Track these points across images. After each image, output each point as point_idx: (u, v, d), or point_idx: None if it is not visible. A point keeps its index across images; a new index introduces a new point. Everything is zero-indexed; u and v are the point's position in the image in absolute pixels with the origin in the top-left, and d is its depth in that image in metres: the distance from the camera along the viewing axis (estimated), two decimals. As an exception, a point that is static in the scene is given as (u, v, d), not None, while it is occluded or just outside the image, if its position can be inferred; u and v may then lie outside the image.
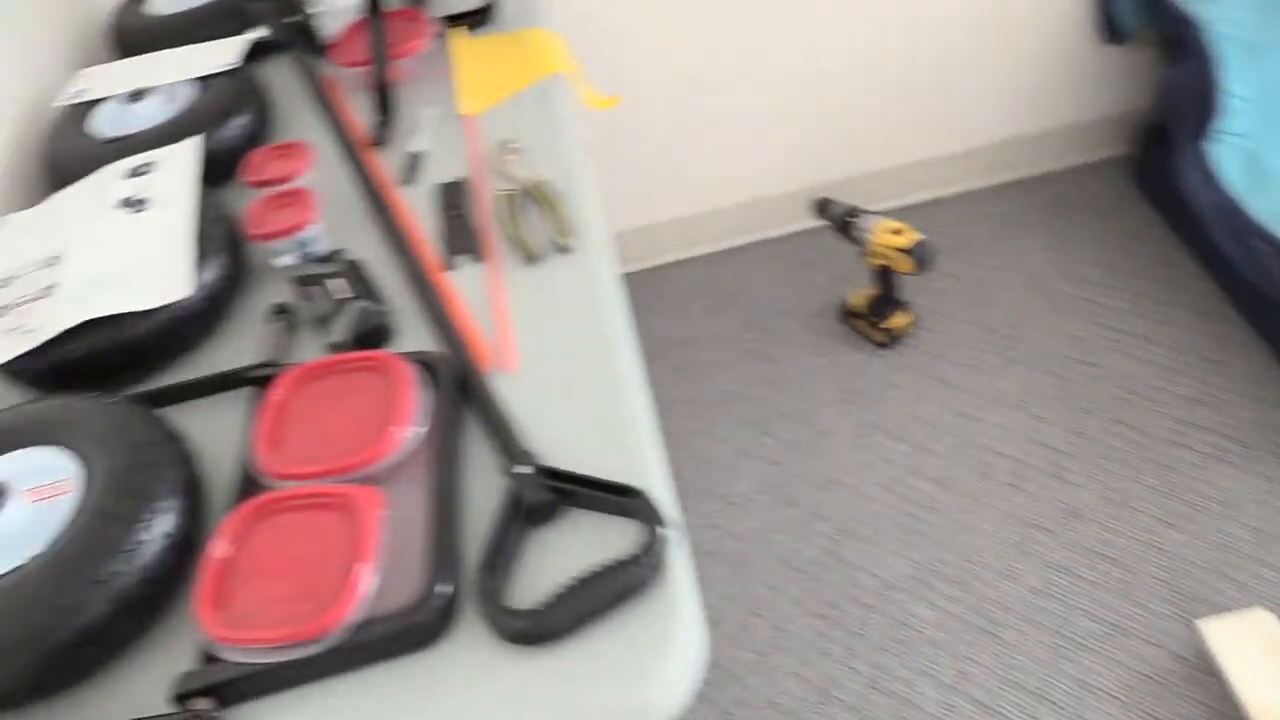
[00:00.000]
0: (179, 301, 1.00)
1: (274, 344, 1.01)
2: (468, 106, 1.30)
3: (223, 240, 1.07)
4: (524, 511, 0.81)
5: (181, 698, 0.74)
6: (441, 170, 1.21)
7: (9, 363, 0.97)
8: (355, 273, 1.05)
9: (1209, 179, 1.99)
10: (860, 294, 2.29)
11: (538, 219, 1.10)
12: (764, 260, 2.60)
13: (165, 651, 0.80)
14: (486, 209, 1.13)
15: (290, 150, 1.18)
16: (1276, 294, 1.90)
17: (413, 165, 1.22)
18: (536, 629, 0.74)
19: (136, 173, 1.17)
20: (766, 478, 2.10)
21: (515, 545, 0.80)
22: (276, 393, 0.90)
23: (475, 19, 1.48)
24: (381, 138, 1.28)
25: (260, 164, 1.17)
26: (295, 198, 1.11)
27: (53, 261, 1.05)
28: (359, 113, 1.34)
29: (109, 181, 1.16)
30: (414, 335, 1.01)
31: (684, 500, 1.99)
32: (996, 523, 1.94)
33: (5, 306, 1.02)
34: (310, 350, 1.01)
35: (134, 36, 1.57)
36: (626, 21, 2.21)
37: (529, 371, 0.95)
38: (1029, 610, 1.80)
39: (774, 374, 2.30)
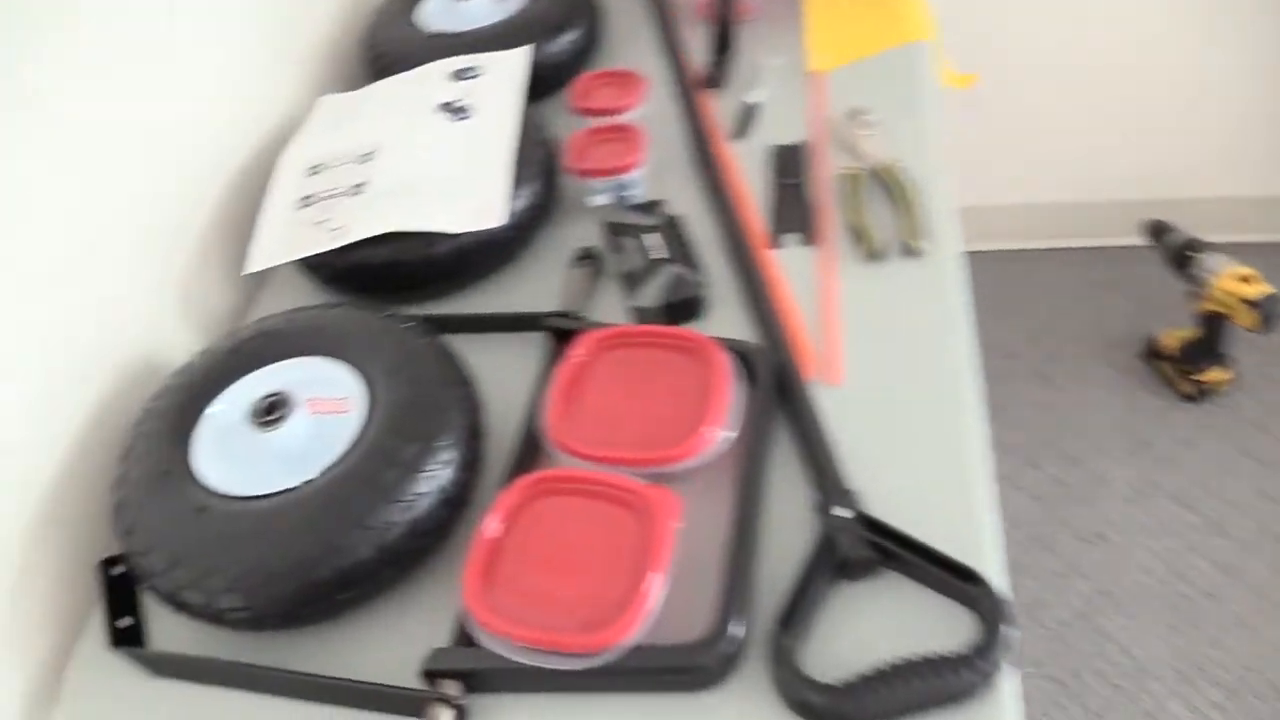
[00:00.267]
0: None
1: (574, 292, 0.92)
2: (816, 61, 1.16)
3: (539, 167, 0.99)
4: (836, 563, 0.69)
5: (430, 674, 0.67)
6: (778, 130, 1.08)
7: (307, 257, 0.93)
8: (674, 231, 0.94)
9: None
10: (1175, 334, 2.01)
11: (884, 208, 0.95)
12: (1067, 270, 2.33)
13: (418, 612, 0.74)
14: (825, 185, 1.00)
15: (623, 80, 1.08)
16: None
17: (747, 117, 1.10)
18: (835, 711, 0.63)
19: (461, 76, 1.10)
20: (1024, 513, 1.90)
21: (818, 600, 0.68)
22: (577, 353, 0.82)
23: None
24: (716, 79, 1.16)
25: (589, 89, 1.08)
26: (623, 135, 1.01)
27: (366, 158, 1.00)
28: (694, 48, 1.22)
29: (432, 81, 1.10)
30: (726, 317, 0.90)
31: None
32: (1288, 632, 1.67)
33: (312, 196, 0.98)
34: (610, 308, 0.92)
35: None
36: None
37: (854, 389, 0.82)
38: (1311, 743, 1.54)
39: (1053, 400, 2.07)
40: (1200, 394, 1.99)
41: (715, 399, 0.76)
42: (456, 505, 0.75)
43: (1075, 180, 2.29)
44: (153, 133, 0.95)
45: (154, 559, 0.70)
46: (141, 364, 0.91)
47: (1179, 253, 1.88)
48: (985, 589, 0.66)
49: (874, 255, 0.91)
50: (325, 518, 0.70)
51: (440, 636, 0.69)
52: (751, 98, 1.12)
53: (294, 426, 0.75)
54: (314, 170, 1.02)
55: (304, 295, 1.00)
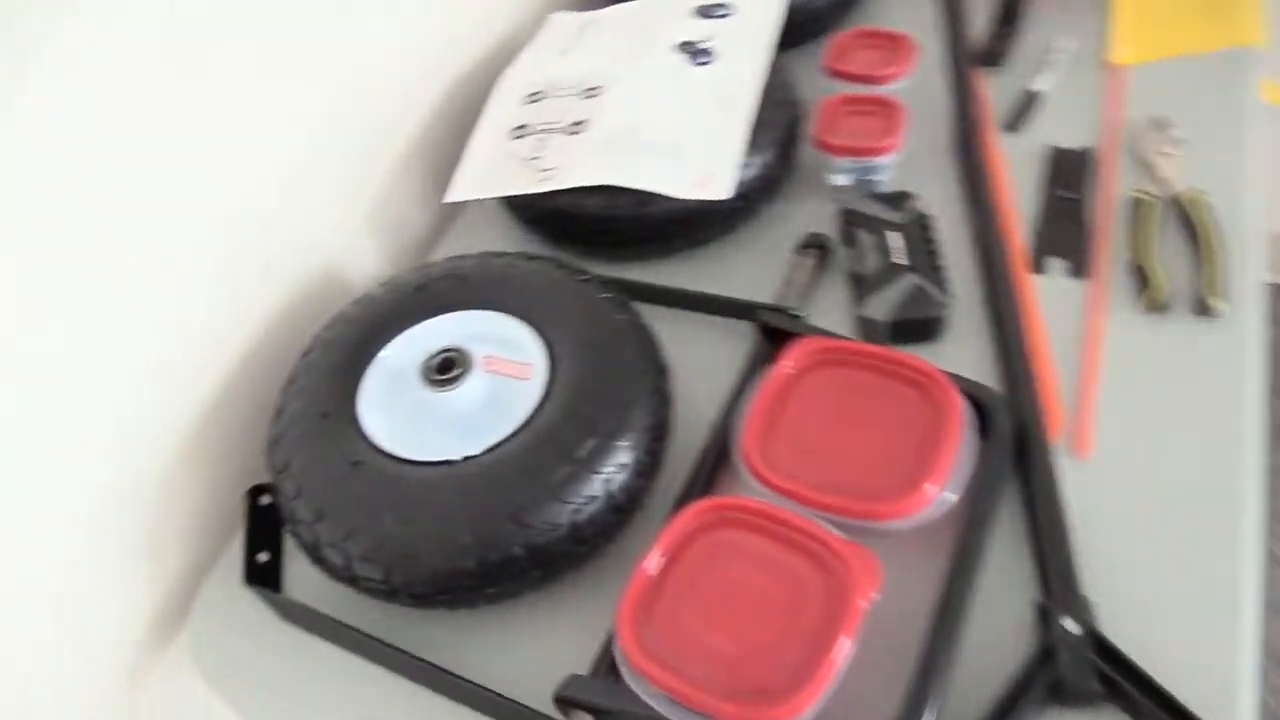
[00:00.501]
0: (709, 195, 0.82)
1: (794, 283, 0.82)
2: (1120, 52, 0.99)
3: (779, 131, 0.87)
4: (1052, 681, 0.58)
5: (562, 701, 0.60)
6: (1060, 129, 0.92)
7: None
8: (921, 232, 0.82)
9: None
10: None
11: (1178, 248, 0.80)
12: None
13: (558, 622, 0.67)
14: (1109, 207, 0.84)
15: (889, 43, 0.94)
16: None
17: (1025, 107, 0.94)
18: None
19: (708, 13, 0.99)
20: None
21: (1025, 723, 0.57)
22: (786, 363, 0.71)
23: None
24: (995, 56, 1.00)
25: (848, 49, 0.94)
26: (880, 109, 0.88)
27: (591, 92, 0.91)
28: (975, 15, 1.07)
29: (675, 13, 0.99)
30: (963, 348, 0.77)
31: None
32: None
33: (527, 127, 0.90)
34: (830, 309, 0.81)
35: None
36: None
37: (1104, 466, 0.68)
38: None
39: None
40: None
41: (942, 451, 0.65)
42: (624, 512, 0.67)
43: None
44: (359, 45, 0.88)
45: (300, 506, 0.65)
46: (321, 280, 0.86)
47: None
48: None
49: (1156, 305, 0.76)
50: (483, 504, 0.63)
51: (578, 656, 0.62)
52: (1034, 84, 0.96)
53: (466, 390, 0.68)
54: (533, 97, 0.93)
55: (500, 232, 0.93)
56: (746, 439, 0.67)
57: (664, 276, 0.85)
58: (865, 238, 0.82)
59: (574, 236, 0.87)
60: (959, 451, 0.66)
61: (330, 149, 0.85)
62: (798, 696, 0.55)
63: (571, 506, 0.63)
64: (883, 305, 0.77)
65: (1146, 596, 0.62)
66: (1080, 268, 0.80)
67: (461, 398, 0.68)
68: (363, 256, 0.91)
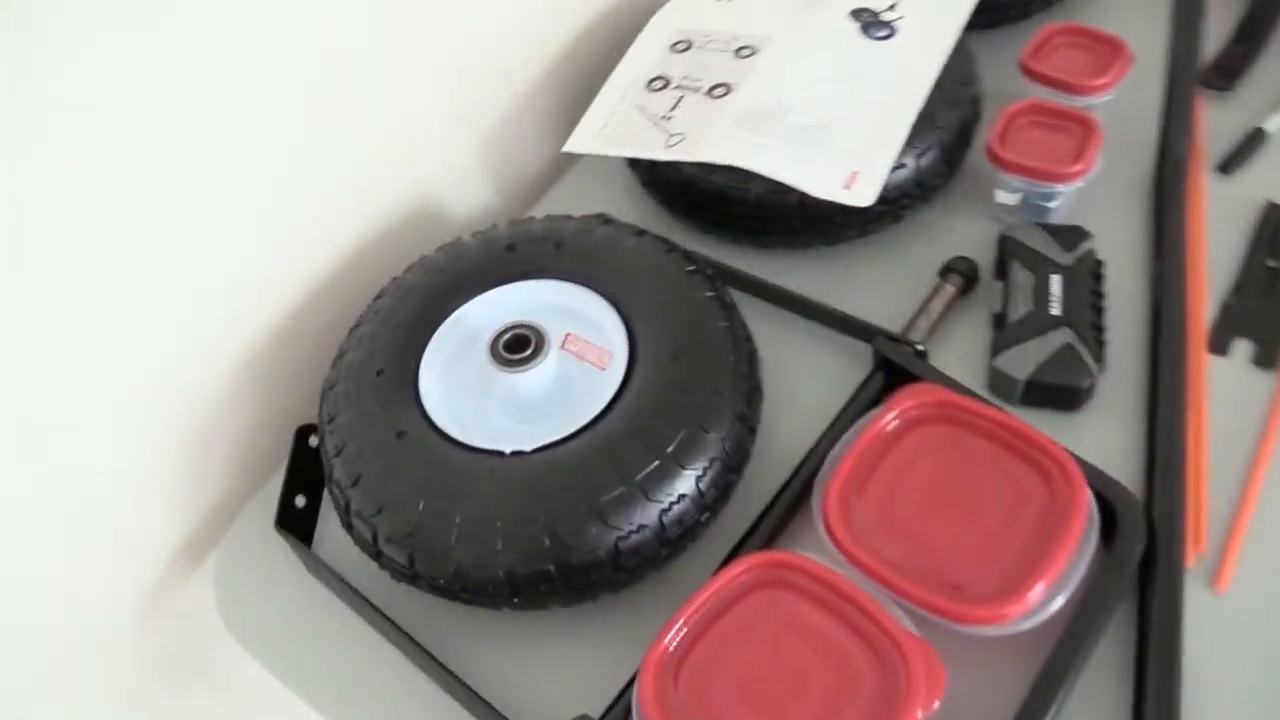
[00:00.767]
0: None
1: (926, 312, 0.72)
2: (1382, 99, 0.83)
3: (947, 133, 0.76)
4: None
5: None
6: (1283, 181, 0.78)
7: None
8: (1089, 281, 0.70)
9: None
10: None
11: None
12: None
13: (583, 643, 0.61)
14: (1326, 289, 0.71)
15: (1101, 47, 0.81)
16: None
17: (1247, 147, 0.80)
18: None
19: (897, -23, 0.87)
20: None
21: None
22: (888, 415, 0.62)
23: None
24: (1223, 78, 0.86)
25: (1050, 47, 0.82)
26: (1074, 127, 0.76)
27: (744, 51, 0.81)
28: (1209, 26, 0.91)
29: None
30: (1104, 426, 0.66)
31: None
32: None
33: (666, 80, 0.81)
34: (958, 347, 0.71)
35: None
36: None
37: (1240, 606, 0.58)
38: None
39: None
40: None
41: (1054, 554, 0.55)
42: (675, 546, 0.60)
43: None
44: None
45: (339, 466, 0.61)
46: (418, 213, 0.81)
47: None
48: None
49: (1358, 425, 0.63)
50: (522, 511, 0.57)
51: (596, 689, 0.57)
52: (1265, 122, 0.82)
53: (535, 375, 0.62)
54: (679, 45, 0.84)
55: (616, 189, 0.86)
56: (830, 491, 0.59)
57: (784, 272, 0.76)
58: (1021, 275, 0.71)
59: (694, 211, 0.79)
60: (1076, 552, 0.56)
61: (446, 72, 0.78)
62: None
63: (617, 533, 0.56)
64: (1023, 360, 0.67)
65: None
66: (1272, 357, 0.68)
67: (528, 381, 0.62)
68: (468, 193, 0.85)
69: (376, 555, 0.60)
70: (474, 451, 0.60)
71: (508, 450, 0.59)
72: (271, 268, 0.70)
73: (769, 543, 0.61)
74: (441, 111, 0.80)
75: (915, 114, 0.74)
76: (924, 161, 0.74)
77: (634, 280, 0.66)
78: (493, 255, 0.69)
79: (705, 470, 0.59)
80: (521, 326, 0.63)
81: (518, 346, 0.62)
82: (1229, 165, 0.79)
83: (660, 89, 0.80)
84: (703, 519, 0.60)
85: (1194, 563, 0.60)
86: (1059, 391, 0.66)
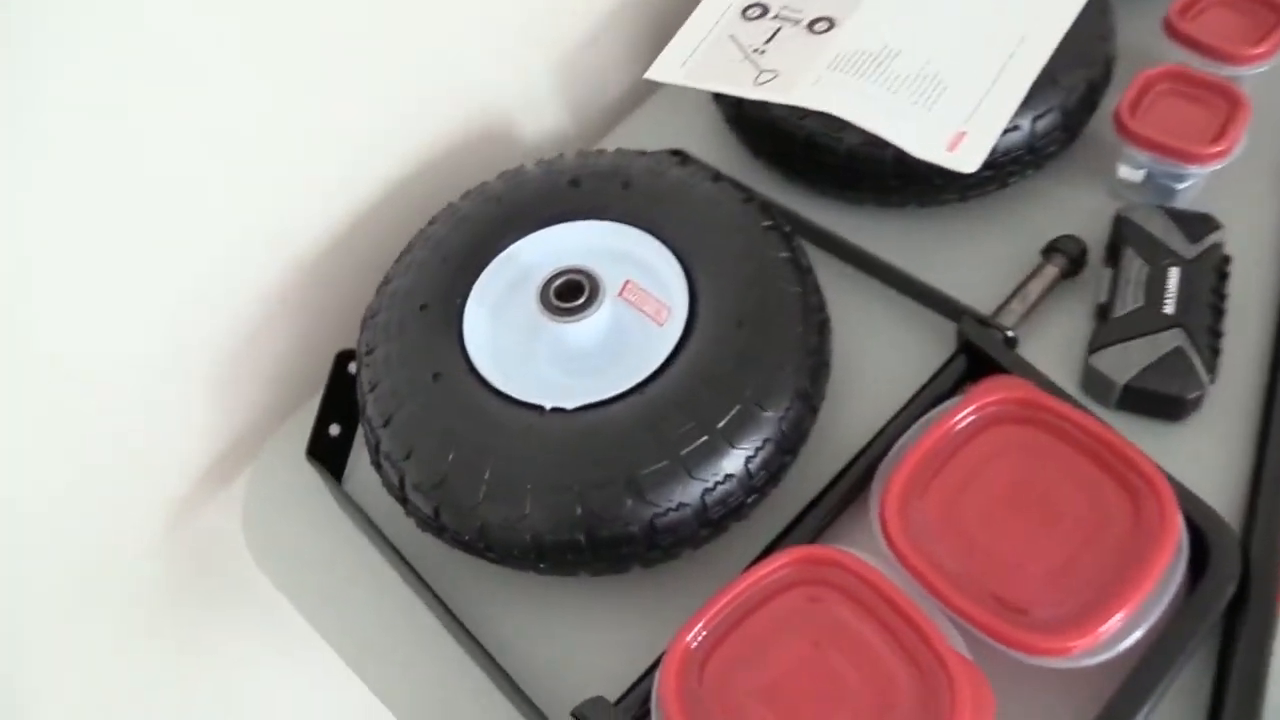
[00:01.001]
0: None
1: (1023, 295, 0.65)
2: None
3: (1070, 95, 0.68)
4: None
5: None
6: None
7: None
8: (1213, 279, 0.63)
9: None
10: None
11: None
12: None
13: (617, 605, 0.58)
14: None
15: (1264, 10, 0.71)
16: None
17: None
18: None
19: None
20: None
21: None
22: (965, 410, 0.57)
23: None
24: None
25: (1204, 4, 0.72)
26: (1218, 100, 0.67)
27: (859, -20, 0.74)
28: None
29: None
30: (1209, 441, 0.60)
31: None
32: None
33: (764, 8, 0.73)
34: (1057, 339, 0.64)
35: None
36: None
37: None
38: None
39: None
40: None
41: (1136, 584, 0.50)
42: (716, 526, 0.56)
43: None
44: None
45: (371, 403, 0.58)
46: (486, 132, 0.76)
47: None
48: None
49: None
50: (555, 475, 0.53)
51: (616, 666, 0.54)
52: None
53: (589, 326, 0.58)
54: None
55: (698, 123, 0.80)
56: (891, 486, 0.54)
57: (869, 232, 0.70)
58: (1135, 263, 0.64)
59: (779, 156, 0.73)
60: (1161, 578, 0.51)
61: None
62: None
63: (655, 509, 0.52)
64: (1125, 361, 0.60)
65: None
66: None
67: (578, 333, 0.58)
68: (540, 116, 0.80)
69: (403, 501, 0.57)
70: (512, 403, 0.56)
71: (548, 406, 0.55)
72: (321, 180, 0.67)
73: (817, 534, 0.57)
74: (517, 27, 0.74)
75: (1038, 70, 0.66)
76: (1041, 125, 0.67)
77: (704, 232, 0.61)
78: (555, 189, 0.64)
79: (757, 451, 0.54)
80: (576, 272, 0.58)
81: (570, 294, 0.58)
82: (1392, 157, 0.70)
83: (757, 17, 0.73)
84: (749, 500, 0.55)
85: (1289, 609, 0.54)
86: (1161, 400, 0.60)
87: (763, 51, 0.70)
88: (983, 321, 0.63)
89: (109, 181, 0.55)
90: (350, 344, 0.67)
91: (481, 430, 0.55)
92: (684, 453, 0.53)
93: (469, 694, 0.57)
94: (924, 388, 0.61)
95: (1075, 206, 0.70)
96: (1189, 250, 0.64)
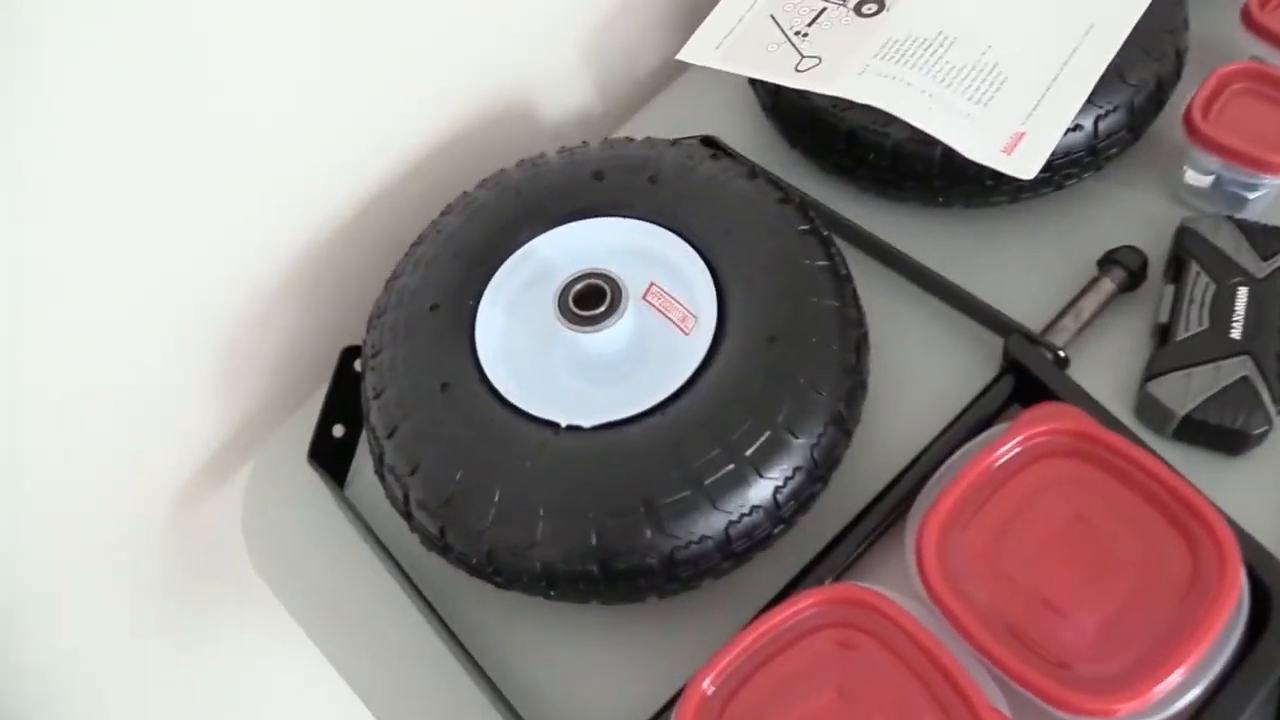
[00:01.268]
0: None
1: (1077, 310, 0.60)
2: None
3: (1136, 92, 0.62)
4: None
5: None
6: None
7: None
8: (1270, 305, 0.58)
9: None
10: None
11: None
12: None
13: (630, 637, 0.55)
14: None
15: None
16: None
17: None
18: None
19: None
20: None
21: None
22: (1011, 441, 0.52)
23: None
24: None
25: (1288, -6, 0.67)
26: (1301, 101, 0.62)
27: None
28: None
29: None
30: (1271, 476, 0.55)
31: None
32: None
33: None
34: (1110, 359, 0.60)
35: None
36: None
37: None
38: None
39: None
40: None
41: (1189, 640, 0.46)
42: (739, 559, 0.52)
43: None
44: None
45: (376, 410, 0.54)
46: (507, 110, 0.71)
47: None
48: None
49: None
50: (570, 501, 0.49)
51: (627, 702, 0.51)
52: None
53: (611, 336, 0.53)
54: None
55: (729, 105, 0.75)
56: (929, 522, 0.50)
57: (912, 232, 0.65)
58: (1200, 280, 0.59)
59: (818, 148, 0.68)
60: (1220, 632, 0.47)
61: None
62: None
63: (675, 542, 0.49)
64: (1185, 390, 0.56)
65: None
66: None
67: (598, 343, 0.54)
68: (564, 95, 0.75)
69: (407, 517, 0.54)
70: (525, 418, 0.52)
71: (563, 424, 0.52)
72: (331, 163, 0.63)
73: (847, 567, 0.53)
74: (540, 2, 0.69)
75: (1105, 64, 0.61)
76: (1104, 125, 0.62)
77: (736, 234, 0.57)
78: (577, 181, 0.60)
79: (787, 481, 0.50)
80: (597, 276, 0.54)
81: (590, 300, 0.54)
82: None
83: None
84: (775, 531, 0.52)
85: (1355, 669, 0.50)
86: (1223, 434, 0.55)
87: (805, 35, 0.65)
88: (1032, 339, 0.58)
89: (106, 167, 0.51)
90: (358, 337, 0.63)
91: (492, 447, 0.51)
92: (708, 482, 0.49)
93: (471, 720, 0.54)
94: (967, 409, 0.57)
95: (1135, 212, 0.65)
96: (1260, 269, 0.59)
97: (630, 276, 0.55)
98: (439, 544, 0.53)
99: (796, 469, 0.51)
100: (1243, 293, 0.58)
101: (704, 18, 0.68)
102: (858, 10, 0.65)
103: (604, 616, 0.55)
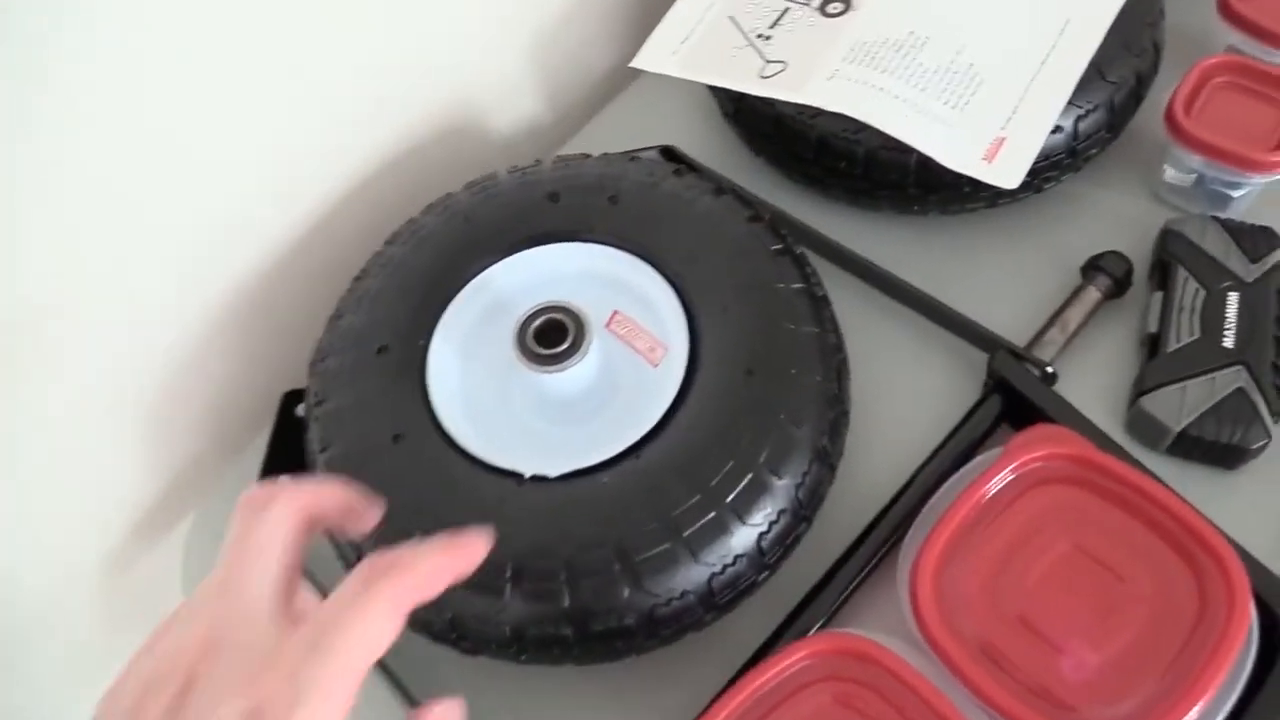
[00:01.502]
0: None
1: (1062, 321, 0.58)
2: None
3: (1114, 90, 0.59)
4: None
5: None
6: None
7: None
8: (1277, 304, 0.56)
9: None
10: None
11: None
12: None
13: (608, 693, 0.51)
14: None
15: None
16: None
17: None
18: None
19: None
20: None
21: None
22: (1003, 469, 0.49)
23: None
24: None
25: (1264, -18, 0.64)
26: (1281, 95, 0.60)
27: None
28: None
29: None
30: (1271, 490, 0.53)
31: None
32: None
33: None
34: (1098, 371, 0.57)
35: None
36: None
37: None
38: None
39: None
40: None
41: (1197, 679, 0.44)
42: (719, 610, 0.48)
43: None
44: None
45: (324, 465, 0.50)
46: (454, 123, 0.67)
47: None
48: None
49: None
50: (538, 559, 0.45)
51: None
52: None
53: (575, 375, 0.49)
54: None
55: (688, 110, 0.71)
56: (921, 562, 0.47)
57: (886, 242, 0.62)
58: (1189, 286, 0.56)
59: (785, 157, 0.64)
60: (1232, 663, 0.44)
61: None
62: None
63: (655, 599, 0.45)
64: (1179, 404, 0.53)
65: None
66: None
67: (562, 382, 0.50)
68: (513, 106, 0.71)
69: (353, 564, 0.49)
70: (486, 469, 0.48)
71: (527, 474, 0.48)
72: (263, 194, 0.58)
73: (835, 610, 0.50)
74: (484, 2, 0.64)
75: (1086, 62, 0.58)
76: (1084, 125, 0.59)
77: (704, 258, 0.53)
78: (531, 204, 0.56)
79: (771, 525, 0.47)
80: (557, 310, 0.50)
81: (552, 336, 0.49)
82: None
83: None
84: (760, 579, 0.48)
85: (1368, 696, 0.48)
86: (1220, 449, 0.53)
87: (768, 37, 0.61)
88: (1018, 355, 0.55)
89: (16, 202, 0.46)
90: (298, 379, 0.58)
91: (450, 504, 0.47)
92: (688, 533, 0.45)
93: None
94: (953, 434, 0.54)
95: (1116, 214, 0.62)
96: (1249, 272, 0.57)
97: (593, 305, 0.51)
98: (398, 608, 0.48)
99: (781, 512, 0.47)
100: (1233, 298, 0.56)
101: (658, 20, 0.64)
102: (823, 10, 0.62)
103: (579, 678, 0.51)
